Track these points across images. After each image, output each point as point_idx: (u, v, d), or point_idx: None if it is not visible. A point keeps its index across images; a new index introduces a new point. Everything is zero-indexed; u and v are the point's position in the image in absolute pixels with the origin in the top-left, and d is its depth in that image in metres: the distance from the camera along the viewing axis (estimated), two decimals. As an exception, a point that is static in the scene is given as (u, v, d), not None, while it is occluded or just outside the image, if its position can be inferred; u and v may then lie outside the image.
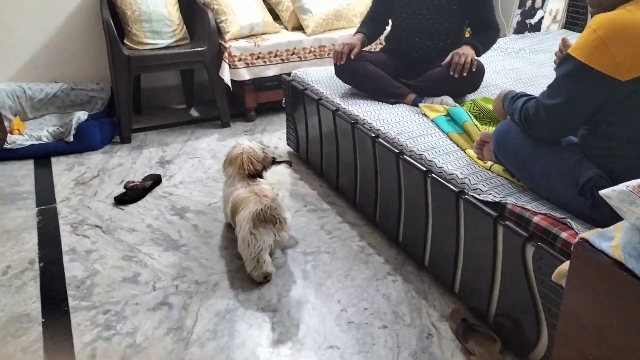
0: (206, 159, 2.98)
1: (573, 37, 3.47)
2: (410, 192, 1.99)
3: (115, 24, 3.11)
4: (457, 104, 2.29)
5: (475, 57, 2.24)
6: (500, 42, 3.20)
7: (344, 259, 2.12)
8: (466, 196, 1.69)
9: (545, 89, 1.55)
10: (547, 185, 1.57)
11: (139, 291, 1.94)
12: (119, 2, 3.16)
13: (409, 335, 1.74)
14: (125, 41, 3.20)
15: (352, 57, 2.37)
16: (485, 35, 2.38)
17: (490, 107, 2.24)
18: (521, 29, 3.81)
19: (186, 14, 3.38)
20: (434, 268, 1.96)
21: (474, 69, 2.22)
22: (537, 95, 1.61)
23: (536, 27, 3.76)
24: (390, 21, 2.57)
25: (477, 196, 1.66)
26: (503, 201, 1.59)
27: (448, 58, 2.23)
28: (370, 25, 2.55)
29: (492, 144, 1.73)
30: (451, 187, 1.75)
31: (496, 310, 1.67)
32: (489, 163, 1.81)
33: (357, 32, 2.54)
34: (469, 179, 1.73)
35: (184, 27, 3.35)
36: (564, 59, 1.48)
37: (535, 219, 1.50)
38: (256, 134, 3.32)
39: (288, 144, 3.04)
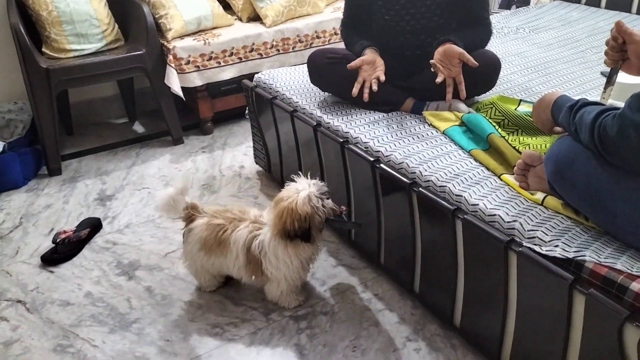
0: (157, 190, 2.43)
1: (572, 11, 3.08)
2: (431, 235, 1.52)
3: (30, 30, 2.51)
4: (471, 109, 1.81)
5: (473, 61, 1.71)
6: (492, 19, 2.75)
7: (347, 322, 1.64)
8: (520, 249, 1.23)
9: (630, 98, 1.09)
10: (637, 234, 1.12)
11: (78, 403, 1.41)
12: (31, 1, 2.53)
13: None
14: (43, 49, 2.59)
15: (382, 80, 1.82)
16: (472, 32, 1.87)
17: (512, 107, 1.78)
18: (508, 2, 3.37)
19: (117, 10, 2.78)
20: (469, 331, 1.50)
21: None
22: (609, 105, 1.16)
23: (524, 0, 3.33)
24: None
25: (538, 250, 1.20)
26: (579, 258, 1.13)
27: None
28: (360, 34, 1.97)
29: (549, 174, 1.27)
30: (496, 234, 1.28)
31: (571, 400, 1.23)
32: (539, 194, 1.35)
33: (356, 45, 1.91)
34: (519, 222, 1.27)
35: (116, 26, 2.76)
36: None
37: (635, 285, 1.05)
38: (216, 149, 2.78)
39: (257, 162, 2.52)
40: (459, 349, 1.52)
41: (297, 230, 1.50)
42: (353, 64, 1.81)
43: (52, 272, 1.92)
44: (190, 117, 3.04)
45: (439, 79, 1.70)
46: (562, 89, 2.00)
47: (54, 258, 1.96)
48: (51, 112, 2.48)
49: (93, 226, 2.11)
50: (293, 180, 1.58)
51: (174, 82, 2.66)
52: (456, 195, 1.41)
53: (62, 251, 1.98)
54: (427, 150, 1.62)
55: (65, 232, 2.03)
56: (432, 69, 1.69)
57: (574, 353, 1.18)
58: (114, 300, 1.77)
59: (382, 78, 1.80)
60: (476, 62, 1.67)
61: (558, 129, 1.45)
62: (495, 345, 1.40)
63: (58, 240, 1.99)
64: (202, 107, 2.87)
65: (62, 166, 2.61)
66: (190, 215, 1.66)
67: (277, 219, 1.52)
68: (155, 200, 2.30)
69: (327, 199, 1.57)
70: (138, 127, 3.10)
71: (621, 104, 1.41)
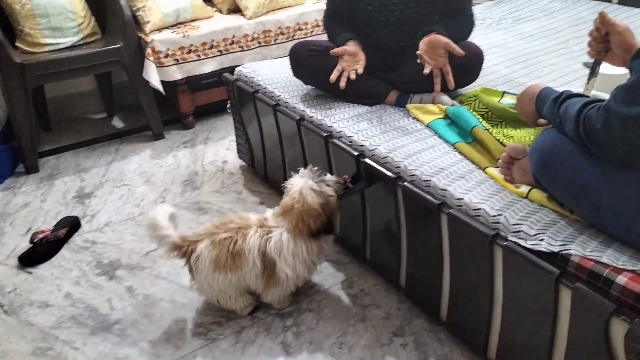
0: (138, 186, 2.38)
1: (554, 1, 3.07)
2: (416, 230, 1.51)
3: (2, 23, 2.44)
4: (455, 102, 1.80)
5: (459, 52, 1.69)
6: (475, 10, 2.73)
7: (334, 319, 1.62)
8: (506, 243, 1.22)
9: (614, 90, 1.08)
10: (623, 226, 1.11)
11: (59, 408, 1.38)
12: (3, -7, 2.46)
13: None
14: (17, 44, 2.52)
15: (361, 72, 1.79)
16: (455, 23, 1.84)
17: (495, 99, 1.77)
18: (489, -8, 3.36)
19: (93, 3, 2.71)
20: (456, 325, 1.49)
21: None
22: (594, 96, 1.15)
23: (506, -10, 3.31)
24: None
25: (523, 244, 1.19)
26: (565, 252, 1.13)
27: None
28: (343, 26, 1.93)
29: (533, 166, 1.26)
30: (481, 228, 1.27)
31: (558, 393, 1.23)
32: (524, 187, 1.34)
33: (339, 37, 1.88)
34: (505, 216, 1.26)
35: (92, 19, 2.69)
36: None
37: (621, 279, 1.04)
38: (198, 144, 2.73)
39: (240, 157, 2.48)
40: (446, 343, 1.52)
41: (321, 226, 1.49)
42: (336, 50, 1.78)
43: (30, 273, 1.87)
44: (171, 111, 2.99)
45: (426, 70, 1.68)
46: (545, 80, 1.99)
47: (32, 258, 1.91)
48: (27, 108, 2.42)
49: (71, 225, 2.07)
50: (286, 184, 1.55)
51: (153, 76, 2.61)
52: (441, 189, 1.39)
53: (40, 251, 1.93)
54: (412, 143, 1.61)
55: (43, 231, 1.99)
56: (418, 60, 1.67)
57: (561, 346, 1.18)
58: (94, 301, 1.73)
59: (360, 71, 1.77)
60: (462, 51, 1.65)
61: (542, 121, 1.44)
62: (481, 339, 1.39)
63: (36, 240, 1.95)
64: (183, 101, 2.82)
65: (39, 163, 2.55)
66: (187, 249, 1.55)
67: (299, 224, 1.49)
68: (142, 212, 2.25)
69: (325, 177, 1.55)
70: (117, 122, 3.04)
71: (605, 95, 1.41)
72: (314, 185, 1.50)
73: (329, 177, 1.57)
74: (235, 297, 1.59)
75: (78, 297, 1.75)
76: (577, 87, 1.86)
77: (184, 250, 1.53)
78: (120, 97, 3.12)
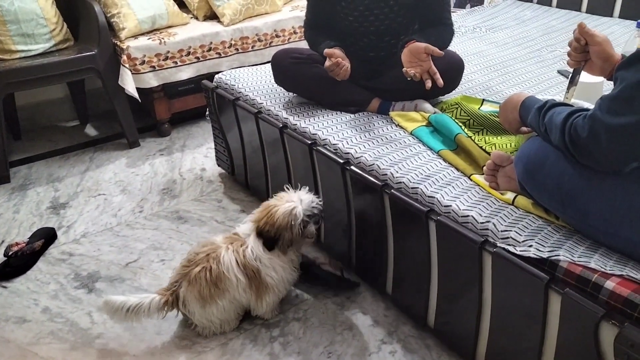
0: (114, 196, 2.33)
1: (525, 10, 3.13)
2: (404, 237, 1.52)
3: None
4: (436, 109, 1.82)
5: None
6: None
7: (321, 327, 1.62)
8: (495, 249, 1.24)
9: (600, 100, 1.10)
10: (609, 232, 1.14)
11: None
12: (-29, -1, 2.38)
13: None
14: (-14, 50, 2.44)
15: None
16: (435, 32, 1.86)
17: (475, 107, 1.80)
18: (462, 1, 3.42)
19: (66, 9, 2.65)
20: (444, 331, 1.50)
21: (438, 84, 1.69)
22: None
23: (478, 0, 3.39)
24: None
25: (512, 250, 1.20)
26: (554, 258, 1.15)
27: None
28: (324, 35, 1.91)
29: (519, 174, 1.28)
30: (470, 235, 1.29)
31: (547, 397, 1.25)
32: (509, 194, 1.36)
33: (322, 44, 1.84)
34: (493, 223, 1.28)
35: (65, 25, 2.63)
36: (633, 60, 1.04)
37: (609, 284, 1.07)
38: (175, 152, 2.69)
39: (219, 165, 2.46)
40: (434, 349, 1.53)
41: (265, 234, 1.49)
42: (329, 50, 1.76)
43: (5, 287, 1.81)
44: (146, 118, 2.94)
45: (416, 79, 1.67)
46: (521, 88, 2.03)
47: (7, 272, 1.85)
48: (-3, 116, 2.35)
49: (47, 237, 2.01)
50: (286, 190, 1.56)
51: (129, 83, 2.57)
52: (429, 196, 1.41)
53: (15, 264, 1.86)
54: (397, 151, 1.62)
55: (17, 244, 1.93)
56: (407, 78, 1.67)
57: (550, 351, 1.20)
58: (73, 315, 1.68)
59: (347, 76, 1.77)
60: (441, 52, 1.66)
61: (525, 129, 1.47)
62: (470, 344, 1.40)
63: (10, 253, 1.89)
64: (159, 108, 2.78)
65: (10, 173, 2.47)
66: (171, 298, 1.52)
67: (259, 218, 1.51)
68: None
69: (316, 223, 1.54)
70: (90, 130, 2.97)
71: (584, 104, 1.45)
72: (298, 212, 1.49)
73: (313, 227, 1.55)
74: (236, 318, 1.60)
75: (56, 312, 1.70)
76: (553, 95, 1.91)
77: (170, 300, 1.51)
78: (93, 104, 3.06)
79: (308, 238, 1.56)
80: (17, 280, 1.83)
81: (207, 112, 2.38)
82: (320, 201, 1.57)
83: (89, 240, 2.03)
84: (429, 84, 1.66)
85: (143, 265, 1.88)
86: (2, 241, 2.03)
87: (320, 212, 1.56)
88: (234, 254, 1.51)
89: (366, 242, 1.68)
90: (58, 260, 1.93)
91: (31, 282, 1.83)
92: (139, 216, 2.18)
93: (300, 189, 1.56)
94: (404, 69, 1.66)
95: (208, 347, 1.55)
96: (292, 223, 1.48)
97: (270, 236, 1.49)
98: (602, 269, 1.09)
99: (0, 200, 2.31)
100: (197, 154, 2.66)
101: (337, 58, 1.73)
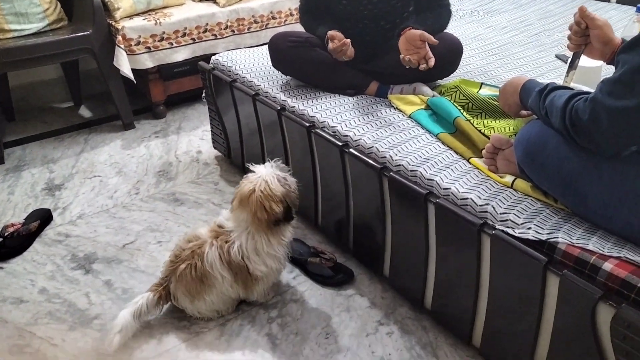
0: (110, 177, 2.32)
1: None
2: (402, 219, 1.52)
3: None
4: (435, 93, 1.82)
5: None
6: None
7: (318, 309, 1.63)
8: (494, 231, 1.24)
9: (601, 83, 1.11)
10: (607, 215, 1.15)
11: (40, 406, 1.34)
12: (-38, -24, 2.34)
13: (431, 420, 1.30)
14: (-22, 29, 2.41)
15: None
16: (431, 15, 1.85)
17: (474, 90, 1.80)
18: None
19: (59, -13, 2.61)
20: (440, 313, 1.52)
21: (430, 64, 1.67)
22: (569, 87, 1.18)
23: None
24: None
25: (511, 232, 1.21)
26: (552, 240, 1.16)
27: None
28: (320, 19, 1.90)
29: (519, 157, 1.29)
30: (469, 217, 1.29)
31: (543, 376, 1.27)
32: (508, 177, 1.37)
33: (320, 28, 1.85)
34: (492, 205, 1.28)
35: (58, 4, 2.59)
36: (634, 43, 1.04)
37: (607, 266, 1.08)
38: (170, 134, 2.68)
39: (215, 147, 2.45)
40: (430, 330, 1.54)
41: (280, 213, 1.46)
42: (333, 33, 1.75)
43: (1, 268, 1.80)
44: (141, 100, 2.92)
45: (413, 66, 1.66)
46: (519, 72, 2.03)
47: (2, 253, 1.84)
48: (-11, 98, 2.32)
49: (43, 218, 2.00)
50: (249, 171, 1.52)
51: (124, 64, 2.54)
52: (427, 179, 1.41)
53: (10, 245, 1.86)
54: (396, 134, 1.61)
55: (13, 225, 1.92)
56: (406, 67, 1.66)
57: (546, 332, 1.21)
58: (71, 296, 1.68)
59: (352, 55, 1.76)
60: (436, 40, 1.65)
61: (524, 112, 1.47)
62: (466, 326, 1.42)
63: (6, 234, 1.88)
64: (154, 89, 2.76)
65: (4, 154, 2.45)
66: (164, 293, 1.53)
67: (256, 212, 1.45)
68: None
69: (290, 175, 1.54)
70: (85, 112, 2.94)
71: (583, 87, 1.45)
72: (279, 173, 1.50)
73: (292, 179, 1.55)
74: (228, 307, 1.60)
75: (54, 292, 1.69)
76: (551, 79, 1.91)
77: (163, 295, 1.52)
78: (87, 85, 3.03)
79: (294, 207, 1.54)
80: (14, 261, 1.83)
81: (203, 94, 2.36)
82: (289, 170, 1.55)
83: (85, 222, 2.03)
84: (423, 66, 1.66)
85: (140, 247, 1.88)
86: (-2, 222, 2.02)
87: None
88: (217, 250, 1.48)
89: (364, 225, 1.69)
90: (54, 242, 1.92)
91: (27, 263, 1.82)
92: (135, 198, 2.17)
93: (255, 166, 1.53)
94: (401, 56, 1.65)
95: (206, 327, 1.56)
96: (286, 184, 1.49)
97: (286, 207, 1.48)
98: (600, 251, 1.11)
99: (-5, 181, 2.30)
100: (192, 137, 2.65)
101: (340, 40, 1.72)
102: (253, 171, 1.51)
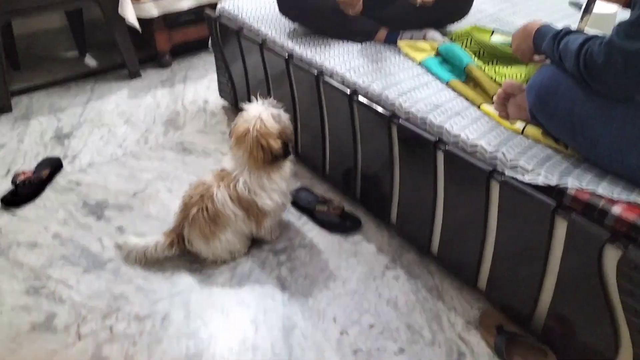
0: (118, 127, 2.32)
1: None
2: (410, 167, 1.53)
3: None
4: (446, 39, 1.79)
5: None
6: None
7: (326, 254, 1.66)
8: (503, 178, 1.25)
9: (617, 26, 1.09)
10: (618, 159, 1.15)
11: (59, 344, 1.39)
12: None
13: (436, 359, 1.34)
14: (-20, -26, 2.36)
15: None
16: None
17: (486, 37, 1.77)
18: None
19: None
20: (446, 258, 1.54)
21: None
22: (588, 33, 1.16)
23: None
24: None
25: (521, 178, 1.22)
26: (562, 185, 1.16)
27: None
28: None
29: (530, 101, 1.28)
30: (478, 164, 1.30)
31: (547, 318, 1.30)
32: (519, 123, 1.37)
33: None
34: (502, 151, 1.28)
35: (61, -51, 2.53)
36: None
37: (616, 209, 1.09)
38: (176, 84, 2.66)
39: (222, 96, 2.44)
40: (436, 275, 1.58)
41: (278, 149, 1.48)
42: None
43: (14, 214, 1.83)
44: (146, 49, 2.89)
45: (426, 4, 1.63)
46: (532, 19, 1.98)
47: (15, 200, 1.86)
48: (-4, 44, 2.30)
49: (53, 166, 2.01)
50: (242, 111, 1.54)
51: (129, 12, 2.50)
52: (437, 126, 1.41)
53: (22, 192, 1.88)
54: (405, 81, 1.60)
55: (24, 172, 1.94)
56: (410, 2, 1.63)
57: (552, 276, 1.24)
58: (84, 241, 1.71)
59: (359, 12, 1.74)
60: None
61: (537, 58, 1.45)
62: (472, 271, 1.45)
63: (17, 181, 1.90)
64: (159, 39, 2.72)
65: (11, 103, 2.45)
66: (177, 239, 1.58)
67: (253, 150, 1.48)
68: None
69: (283, 111, 1.56)
70: (90, 61, 2.92)
71: (599, 32, 1.43)
72: (273, 111, 1.51)
73: (286, 115, 1.56)
74: (243, 246, 1.64)
75: (67, 237, 1.73)
76: (565, 26, 1.87)
77: (175, 241, 1.57)
78: (91, 34, 2.99)
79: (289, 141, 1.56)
80: (26, 208, 1.85)
81: (209, 43, 2.33)
82: (282, 106, 1.57)
83: (96, 170, 2.04)
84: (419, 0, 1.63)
85: (151, 195, 1.90)
86: (9, 170, 2.04)
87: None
88: (226, 190, 1.52)
89: (372, 173, 1.70)
90: (65, 189, 1.95)
91: (40, 209, 1.85)
92: (144, 147, 2.18)
93: (249, 104, 1.55)
94: None
95: (217, 270, 1.60)
96: (281, 120, 1.51)
97: (283, 144, 1.50)
98: (610, 196, 1.11)
99: (4, 129, 2.30)
100: (199, 86, 2.63)
101: None
102: (246, 110, 1.52)
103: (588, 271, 1.14)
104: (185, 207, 1.56)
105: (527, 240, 1.27)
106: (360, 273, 1.59)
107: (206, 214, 1.52)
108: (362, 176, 1.75)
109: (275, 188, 1.55)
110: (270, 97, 1.56)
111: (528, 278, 1.30)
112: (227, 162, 1.58)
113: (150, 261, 1.59)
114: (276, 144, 1.48)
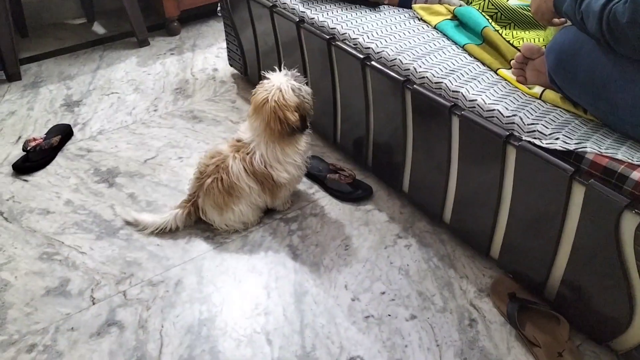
0: (128, 94, 2.31)
1: None
2: (424, 134, 1.50)
3: None
4: (462, 2, 1.74)
5: None
6: None
7: (337, 222, 1.65)
8: (520, 143, 1.22)
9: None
10: (638, 123, 1.12)
11: (73, 308, 1.40)
12: None
13: (447, 326, 1.34)
14: (-15, -62, 2.32)
15: None
16: None
17: (503, 0, 1.72)
18: None
19: None
20: (459, 227, 1.53)
21: None
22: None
23: None
24: None
25: (538, 143, 1.19)
26: (581, 149, 1.14)
27: None
28: None
29: (550, 65, 1.24)
30: (494, 129, 1.27)
31: (560, 286, 1.29)
32: (537, 88, 1.33)
33: None
34: (519, 116, 1.26)
35: None
36: None
37: (635, 174, 1.06)
38: (185, 51, 2.63)
39: (231, 65, 2.40)
40: (448, 243, 1.56)
41: (295, 122, 1.46)
42: None
43: (26, 180, 1.83)
44: (154, 17, 2.85)
45: None
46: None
47: (26, 166, 1.87)
48: (5, 12, 2.27)
49: (64, 133, 2.01)
50: (265, 78, 1.51)
51: (137, -23, 2.46)
52: (453, 91, 1.38)
53: (34, 159, 1.88)
54: (420, 45, 1.56)
55: (35, 139, 1.93)
56: None
57: (567, 244, 1.22)
58: (96, 208, 1.72)
59: None
60: None
61: (557, 20, 1.40)
62: (485, 239, 1.43)
63: (29, 148, 1.90)
64: (168, 5, 2.68)
65: (20, 71, 2.43)
66: (191, 209, 1.58)
67: (270, 121, 1.46)
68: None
69: (305, 84, 1.54)
70: (98, 28, 2.89)
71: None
72: (294, 83, 1.48)
73: (307, 87, 1.54)
74: (257, 216, 1.63)
75: (79, 204, 1.73)
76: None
77: (191, 211, 1.58)
78: (99, 1, 2.95)
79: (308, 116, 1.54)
80: (38, 175, 1.86)
81: (218, 9, 2.29)
82: (305, 80, 1.54)
83: (106, 138, 2.04)
84: None
85: (162, 162, 1.90)
86: (19, 137, 2.04)
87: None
88: (241, 162, 1.51)
89: (384, 141, 1.67)
90: (76, 156, 1.94)
91: (51, 176, 1.85)
92: (153, 115, 2.16)
93: (272, 73, 1.52)
94: None
95: (229, 238, 1.60)
96: (300, 94, 1.48)
97: (300, 116, 1.48)
98: (630, 160, 1.09)
99: (14, 97, 2.29)
100: (208, 54, 2.60)
101: None
102: (268, 78, 1.49)
103: (605, 238, 1.12)
104: (200, 177, 1.56)
105: (542, 207, 1.25)
106: (372, 241, 1.58)
107: (221, 185, 1.51)
108: (374, 144, 1.73)
109: (291, 161, 1.54)
110: (282, 65, 1.54)
111: (542, 246, 1.28)
112: (244, 132, 1.56)
113: (169, 233, 1.59)
114: (293, 117, 1.45)
